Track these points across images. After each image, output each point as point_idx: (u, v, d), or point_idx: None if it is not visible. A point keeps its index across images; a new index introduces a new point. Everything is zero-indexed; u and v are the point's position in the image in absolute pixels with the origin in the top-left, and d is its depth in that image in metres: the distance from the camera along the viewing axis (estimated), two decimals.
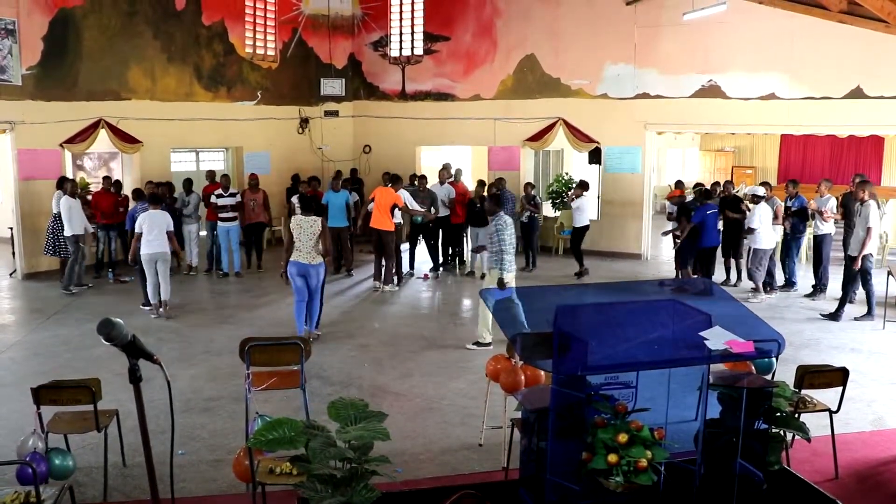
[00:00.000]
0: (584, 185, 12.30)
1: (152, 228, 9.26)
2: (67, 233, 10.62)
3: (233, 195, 11.92)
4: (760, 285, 10.50)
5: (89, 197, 12.80)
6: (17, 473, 4.26)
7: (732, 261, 11.61)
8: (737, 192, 12.33)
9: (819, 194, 10.77)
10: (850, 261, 9.31)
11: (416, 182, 12.95)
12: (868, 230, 9.03)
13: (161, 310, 9.52)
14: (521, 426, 3.97)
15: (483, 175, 14.59)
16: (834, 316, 9.40)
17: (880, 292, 9.81)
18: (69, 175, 12.57)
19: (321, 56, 16.05)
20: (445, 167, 13.15)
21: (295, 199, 11.48)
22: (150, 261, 9.34)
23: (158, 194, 10.18)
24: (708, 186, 12.12)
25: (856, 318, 9.38)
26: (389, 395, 6.81)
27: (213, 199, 11.86)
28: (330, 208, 11.86)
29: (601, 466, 3.08)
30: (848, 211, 10.62)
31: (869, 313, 9.40)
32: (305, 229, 8.21)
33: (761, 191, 10.73)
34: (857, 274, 9.23)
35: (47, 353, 8.07)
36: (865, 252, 9.10)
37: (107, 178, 12.21)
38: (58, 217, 10.88)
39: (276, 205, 14.90)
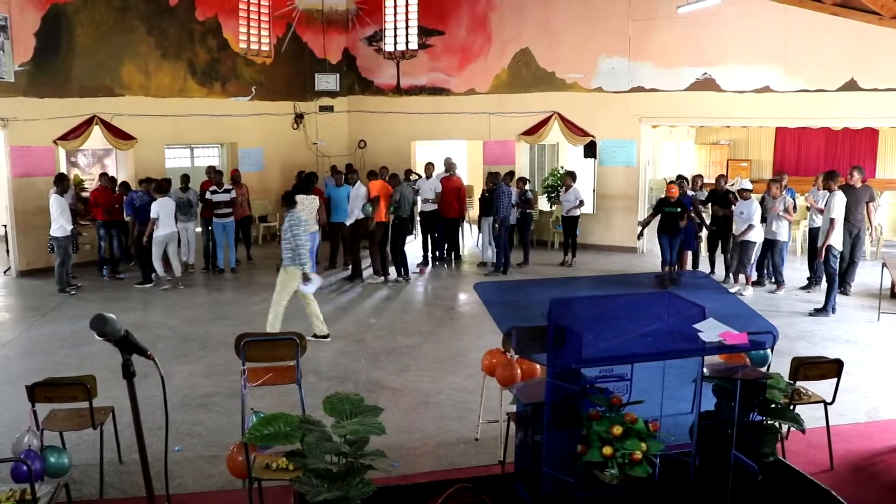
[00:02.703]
0: (572, 176, 12.55)
1: (165, 214, 10.73)
2: (59, 233, 10.31)
3: (227, 191, 11.91)
4: (746, 278, 10.42)
5: (85, 194, 12.79)
6: (11, 471, 4.25)
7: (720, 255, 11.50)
8: (732, 184, 12.28)
9: (816, 187, 10.76)
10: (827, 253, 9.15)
11: (410, 177, 12.95)
12: (831, 221, 8.99)
13: (168, 283, 10.95)
14: (516, 420, 3.98)
15: (478, 169, 14.60)
16: (822, 311, 9.26)
17: (871, 284, 9.82)
18: (64, 172, 12.52)
19: (315, 51, 16.01)
20: (446, 161, 13.11)
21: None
22: (163, 241, 10.79)
23: (163, 184, 11.06)
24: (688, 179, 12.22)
25: (810, 314, 9.24)
26: (386, 390, 6.81)
27: (207, 195, 11.85)
28: (332, 203, 11.86)
29: (596, 459, 3.09)
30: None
31: (824, 308, 9.22)
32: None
33: (749, 185, 10.61)
34: (831, 265, 9.11)
35: (42, 350, 8.05)
36: (830, 244, 9.00)
37: (104, 175, 12.17)
38: None
39: (273, 201, 14.90)
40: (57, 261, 10.48)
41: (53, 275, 10.66)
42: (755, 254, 10.38)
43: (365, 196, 11.12)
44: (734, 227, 10.44)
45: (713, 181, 11.91)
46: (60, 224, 10.31)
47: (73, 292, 10.48)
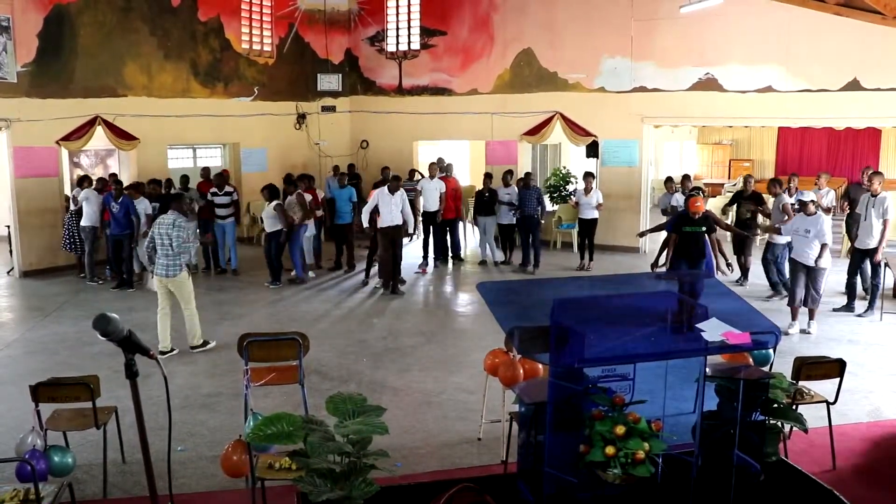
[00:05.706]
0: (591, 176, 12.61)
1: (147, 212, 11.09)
2: (94, 224, 11.12)
3: (228, 193, 11.92)
4: (811, 312, 8.73)
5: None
6: (16, 471, 4.27)
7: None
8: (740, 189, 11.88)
9: (818, 186, 10.73)
10: (860, 252, 9.16)
11: (414, 177, 12.95)
12: (885, 222, 8.94)
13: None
14: (519, 420, 3.98)
15: (481, 169, 14.56)
16: (870, 307, 9.24)
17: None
18: (65, 172, 12.56)
19: (318, 51, 16.02)
20: (439, 161, 13.12)
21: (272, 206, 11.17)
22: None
23: (140, 186, 11.59)
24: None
25: (859, 314, 9.23)
26: (388, 390, 6.82)
27: (209, 196, 11.86)
28: (336, 204, 11.82)
29: (599, 459, 3.09)
30: (853, 202, 10.51)
31: (871, 307, 9.26)
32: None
33: (814, 197, 9.22)
34: (876, 265, 9.10)
35: (45, 350, 8.07)
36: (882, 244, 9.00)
37: (114, 176, 12.20)
38: (76, 214, 11.24)
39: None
40: (86, 251, 11.26)
41: (78, 271, 11.75)
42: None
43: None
44: (795, 248, 8.68)
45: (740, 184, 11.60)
46: (93, 217, 11.11)
47: (100, 282, 11.24)
